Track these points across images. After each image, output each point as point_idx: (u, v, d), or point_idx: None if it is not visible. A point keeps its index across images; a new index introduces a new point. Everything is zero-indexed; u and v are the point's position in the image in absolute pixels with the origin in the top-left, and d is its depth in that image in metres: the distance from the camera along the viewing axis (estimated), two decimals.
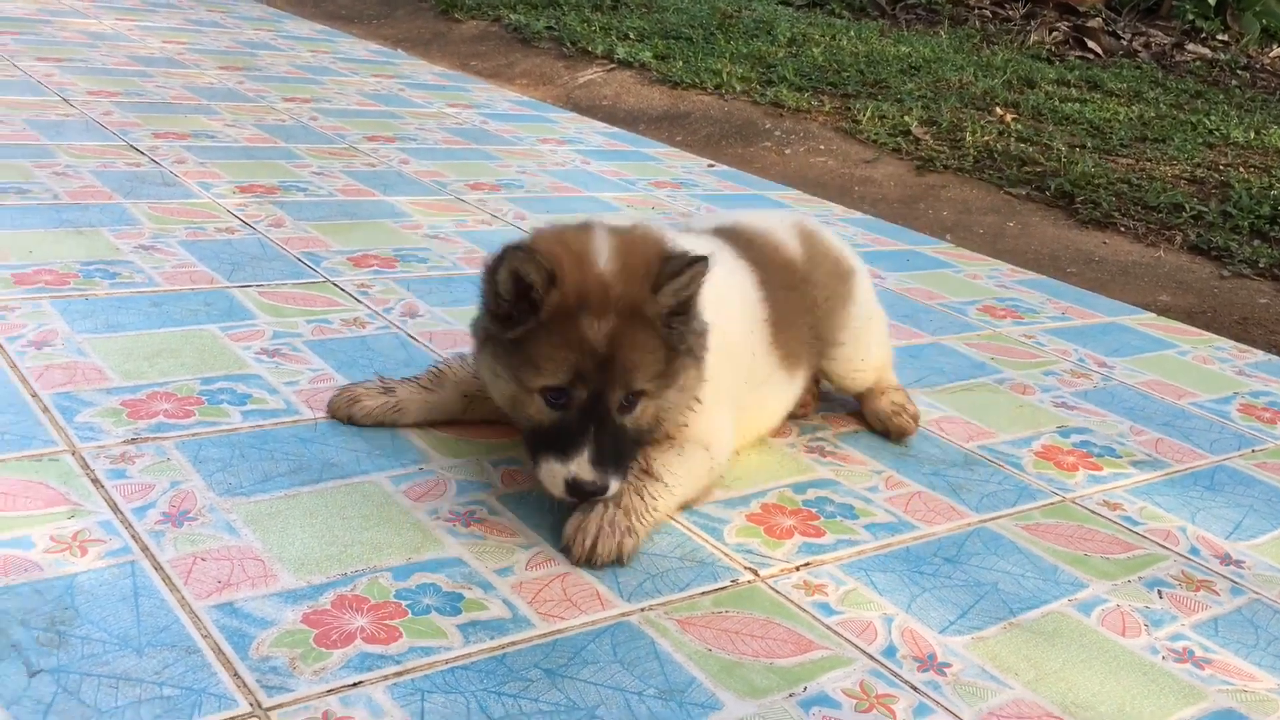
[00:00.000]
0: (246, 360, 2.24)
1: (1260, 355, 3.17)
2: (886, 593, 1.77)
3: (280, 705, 1.36)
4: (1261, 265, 4.05)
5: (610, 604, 1.65)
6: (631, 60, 6.17)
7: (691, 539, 1.85)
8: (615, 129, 5.07)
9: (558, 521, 1.79)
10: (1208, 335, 3.30)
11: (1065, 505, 2.14)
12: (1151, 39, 8.24)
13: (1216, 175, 4.98)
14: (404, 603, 1.58)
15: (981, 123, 5.45)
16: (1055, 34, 7.96)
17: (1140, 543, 2.04)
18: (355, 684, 1.41)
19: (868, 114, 5.42)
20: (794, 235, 2.27)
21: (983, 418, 2.47)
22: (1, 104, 3.92)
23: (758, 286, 2.07)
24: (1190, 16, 8.63)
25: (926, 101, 5.77)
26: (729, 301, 1.98)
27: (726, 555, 1.82)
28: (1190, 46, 8.11)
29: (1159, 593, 1.88)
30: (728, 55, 6.44)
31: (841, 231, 3.54)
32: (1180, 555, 2.01)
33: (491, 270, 1.77)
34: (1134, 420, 2.57)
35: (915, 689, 1.56)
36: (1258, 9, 8.56)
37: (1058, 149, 5.12)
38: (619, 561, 1.73)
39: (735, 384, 2.00)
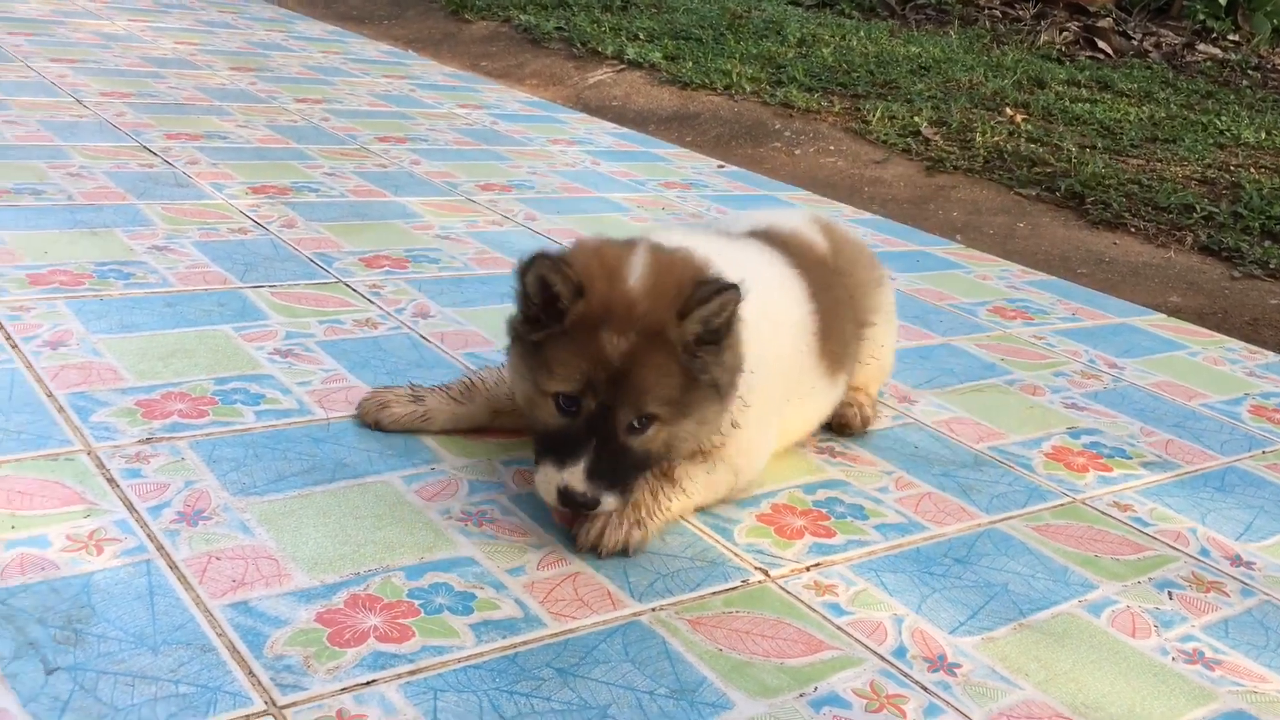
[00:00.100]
0: (260, 360, 2.25)
1: (1271, 356, 3.17)
2: (897, 593, 1.78)
3: (294, 703, 1.37)
4: (1272, 266, 4.04)
5: (621, 604, 1.65)
6: (641, 61, 6.18)
7: (702, 539, 1.86)
8: (625, 129, 5.08)
9: None
10: (1218, 336, 3.30)
11: (1075, 506, 2.14)
12: (1162, 39, 8.22)
13: (1227, 176, 4.97)
14: (416, 602, 1.59)
15: (991, 123, 5.45)
16: (1065, 34, 7.95)
17: (1151, 544, 2.04)
18: (369, 682, 1.42)
19: (877, 114, 5.42)
20: (817, 230, 2.27)
21: (993, 419, 2.47)
22: (16, 105, 3.94)
23: (808, 298, 2.04)
24: (1201, 16, 8.61)
25: (936, 102, 5.77)
26: (781, 321, 1.96)
27: (737, 555, 1.82)
28: (1201, 46, 8.09)
29: (1169, 594, 1.89)
30: (737, 56, 6.45)
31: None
32: (1191, 556, 2.01)
33: (523, 272, 1.76)
34: (1144, 421, 2.57)
35: (925, 689, 1.57)
36: (1269, 9, 8.54)
37: (1068, 149, 5.12)
38: (625, 552, 1.74)
39: (781, 404, 2.00)
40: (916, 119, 5.40)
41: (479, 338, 2.51)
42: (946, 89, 6.09)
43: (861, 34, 7.31)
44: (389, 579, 1.63)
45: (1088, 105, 6.01)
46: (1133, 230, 4.35)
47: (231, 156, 3.68)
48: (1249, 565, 2.01)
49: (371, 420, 2.03)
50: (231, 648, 1.44)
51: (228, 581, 1.57)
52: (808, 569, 1.81)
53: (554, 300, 1.73)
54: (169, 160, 3.54)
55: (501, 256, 3.07)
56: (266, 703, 1.36)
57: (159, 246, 2.79)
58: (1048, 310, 3.30)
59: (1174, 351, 3.08)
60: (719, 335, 1.74)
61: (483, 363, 2.36)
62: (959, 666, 1.62)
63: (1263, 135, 5.77)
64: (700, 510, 1.92)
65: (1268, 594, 1.93)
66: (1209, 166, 5.11)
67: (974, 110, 5.68)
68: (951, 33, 7.87)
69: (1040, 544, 1.98)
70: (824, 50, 6.68)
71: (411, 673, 1.45)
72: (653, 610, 1.65)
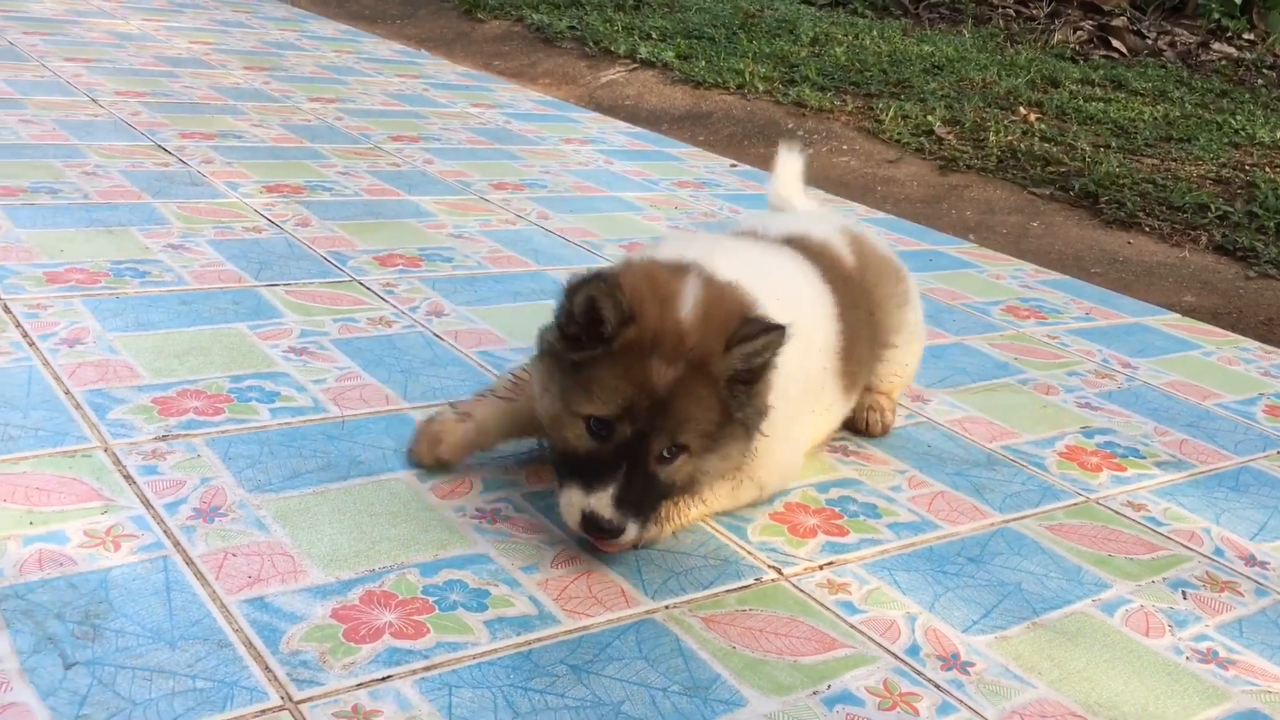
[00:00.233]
0: (274, 358, 2.26)
1: None
2: (910, 592, 1.78)
3: (310, 698, 1.38)
4: None
5: (635, 601, 1.66)
6: (654, 60, 6.18)
7: (715, 537, 1.86)
8: (638, 129, 5.08)
9: None
10: (1233, 336, 3.29)
11: (1089, 506, 2.14)
12: (1177, 38, 8.19)
13: (1242, 175, 4.95)
14: (431, 599, 1.60)
15: (1005, 122, 5.44)
16: (1079, 33, 7.93)
17: (1164, 544, 2.04)
18: (384, 678, 1.43)
19: (890, 114, 5.42)
20: (845, 243, 2.24)
21: (1006, 418, 2.47)
22: (32, 104, 3.97)
23: (836, 317, 2.03)
24: (1216, 15, 8.58)
25: (950, 101, 5.76)
26: (813, 340, 1.95)
27: (750, 554, 1.83)
28: (1216, 45, 8.06)
29: (1183, 593, 1.88)
30: (750, 55, 6.44)
31: None
32: (1204, 556, 2.01)
33: (572, 291, 1.71)
34: (1158, 421, 2.56)
35: (939, 687, 1.57)
36: None
37: (1082, 149, 5.10)
38: (635, 545, 1.74)
39: (807, 419, 2.00)
40: (930, 118, 5.40)
41: (492, 336, 2.51)
42: (960, 88, 6.08)
43: (875, 33, 7.31)
44: (404, 576, 1.64)
45: (1102, 104, 5.99)
46: (1147, 230, 4.34)
47: (246, 155, 3.70)
48: (1263, 565, 2.00)
49: (431, 460, 1.91)
50: (248, 643, 1.45)
51: (244, 578, 1.58)
52: (821, 567, 1.82)
53: (599, 322, 1.68)
54: (184, 159, 3.56)
55: (515, 255, 3.07)
56: (282, 698, 1.37)
57: (174, 245, 2.80)
58: (1061, 310, 3.29)
59: (1188, 351, 3.08)
60: (755, 375, 1.73)
61: (496, 361, 2.37)
62: (972, 665, 1.62)
63: (1278, 134, 5.75)
64: (719, 515, 1.93)
65: None
66: (1224, 166, 5.09)
67: (987, 109, 5.67)
68: (965, 32, 7.85)
69: (1054, 543, 1.98)
70: (837, 49, 6.67)
71: (426, 669, 1.46)
72: (666, 608, 1.66)
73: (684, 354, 1.67)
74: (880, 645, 1.64)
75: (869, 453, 2.23)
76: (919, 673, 1.59)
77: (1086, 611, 1.79)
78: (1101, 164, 4.85)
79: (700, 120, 5.48)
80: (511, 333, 2.53)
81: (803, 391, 1.93)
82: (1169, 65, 7.40)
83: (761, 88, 5.81)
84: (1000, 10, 8.67)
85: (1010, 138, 5.20)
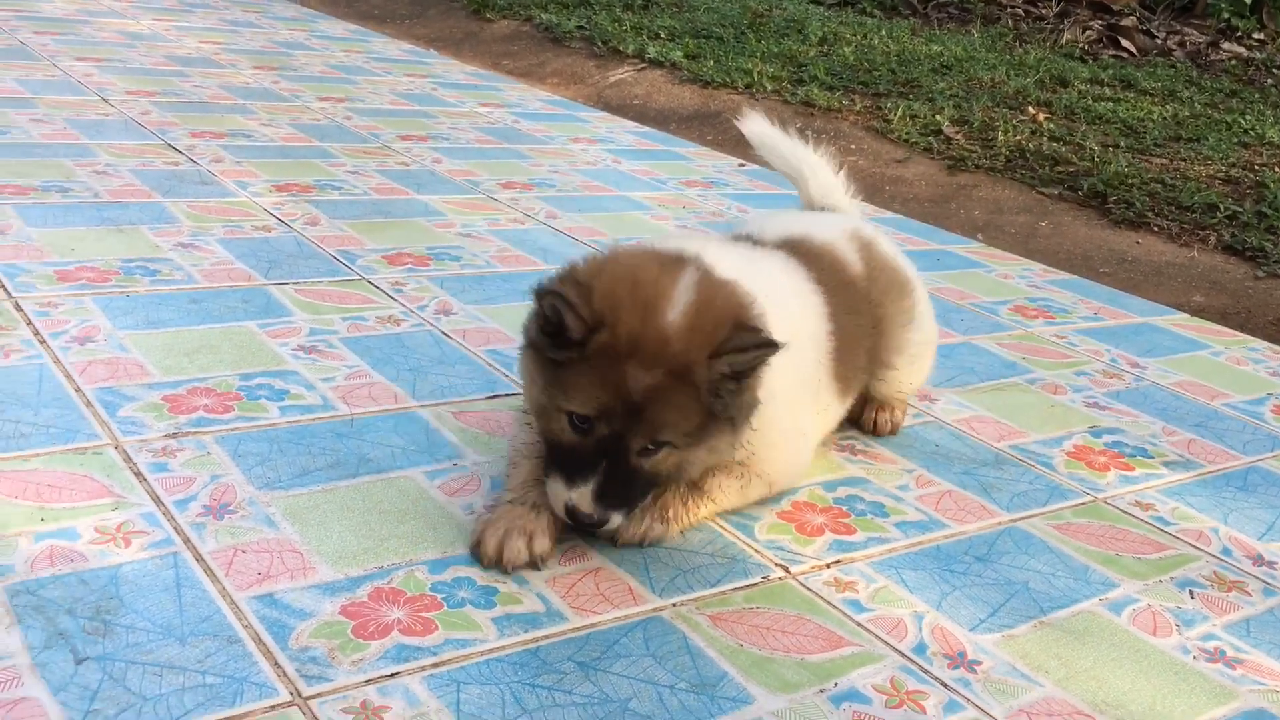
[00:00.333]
0: (284, 357, 2.27)
1: None
2: (917, 590, 1.78)
3: (319, 694, 1.38)
4: None
5: (643, 599, 1.66)
6: (662, 59, 6.19)
7: (723, 535, 1.87)
8: (646, 128, 5.09)
9: None
10: (1241, 336, 3.28)
11: (1097, 505, 2.14)
12: (1186, 38, 8.17)
13: (1251, 175, 4.94)
14: (439, 596, 1.60)
15: (1014, 122, 5.43)
16: (1089, 33, 7.91)
17: (1172, 543, 2.04)
18: (392, 674, 1.43)
19: (899, 113, 5.41)
20: (854, 248, 2.19)
21: (1014, 417, 2.47)
22: (43, 103, 3.98)
23: (827, 318, 2.00)
24: (1226, 15, 8.56)
25: (958, 100, 5.76)
26: (801, 331, 1.93)
27: (758, 552, 1.83)
28: (1225, 45, 8.04)
29: (1190, 593, 1.88)
30: (758, 54, 6.44)
31: None
32: (1212, 556, 2.01)
33: (539, 296, 1.68)
34: (1166, 421, 2.56)
35: (946, 686, 1.57)
36: None
37: (1091, 148, 5.10)
38: (641, 543, 1.74)
39: (810, 411, 1.99)
40: (938, 118, 5.39)
41: (501, 335, 2.52)
42: (968, 88, 6.07)
43: (883, 33, 7.30)
44: (412, 573, 1.64)
45: (1111, 104, 5.99)
46: (1155, 229, 4.33)
47: (255, 155, 3.71)
48: (1271, 565, 2.00)
49: (524, 560, 1.69)
50: (257, 639, 1.46)
51: (253, 574, 1.59)
52: (828, 566, 1.82)
53: (564, 332, 1.65)
54: (194, 158, 3.57)
55: (523, 254, 3.08)
56: (292, 693, 1.38)
57: (184, 244, 2.81)
58: (1069, 309, 3.29)
59: (1196, 351, 3.07)
60: (742, 377, 1.70)
61: (505, 359, 2.38)
62: (979, 663, 1.63)
63: None
64: (728, 513, 1.93)
65: None
66: (1233, 166, 5.08)
67: (996, 109, 5.67)
68: (974, 31, 7.84)
69: (1061, 542, 1.98)
70: (845, 49, 6.67)
71: (435, 665, 1.46)
72: (674, 605, 1.66)
73: (665, 360, 1.63)
74: (887, 643, 1.64)
75: (876, 452, 2.24)
76: (926, 671, 1.60)
77: (1094, 610, 1.80)
78: (1110, 164, 4.84)
79: (708, 120, 5.49)
80: (519, 331, 2.53)
81: (799, 387, 1.92)
82: (1178, 65, 7.38)
83: (770, 87, 5.81)
84: (1009, 10, 8.66)
85: (1019, 137, 5.20)
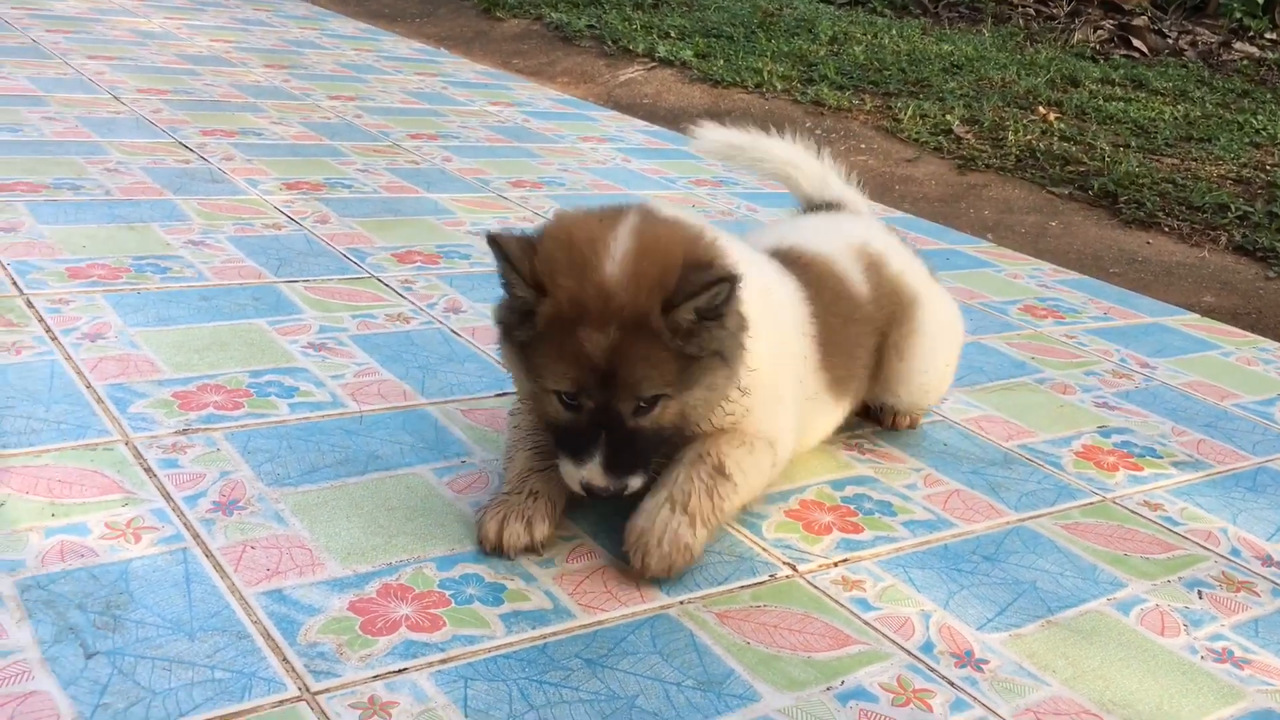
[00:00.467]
0: (293, 354, 2.28)
1: None
2: (925, 589, 1.78)
3: (328, 690, 1.39)
4: None
5: (650, 597, 1.67)
6: (672, 58, 6.19)
7: (730, 534, 1.87)
8: (656, 127, 5.09)
9: (599, 515, 1.82)
10: (1252, 336, 3.27)
11: (1105, 505, 2.14)
12: (1198, 37, 8.15)
13: (1263, 175, 4.93)
14: (447, 592, 1.61)
15: (1024, 122, 5.42)
16: (1100, 32, 7.89)
17: (1181, 543, 2.03)
18: (400, 670, 1.44)
19: (909, 113, 5.41)
20: (857, 264, 2.11)
21: (1023, 417, 2.47)
22: (55, 101, 4.00)
23: (807, 300, 1.95)
24: (1238, 15, 8.53)
25: (968, 100, 5.75)
26: (779, 298, 1.90)
27: (765, 550, 1.83)
28: (1237, 45, 8.01)
29: (1199, 593, 1.88)
30: (769, 54, 6.44)
31: None
32: (1221, 556, 2.01)
33: (488, 241, 1.63)
34: (1176, 421, 2.56)
35: (952, 684, 1.57)
36: None
37: (1101, 148, 5.08)
38: (668, 573, 1.68)
39: (793, 387, 1.93)
40: (948, 117, 5.38)
41: None
42: (979, 87, 6.06)
43: (893, 32, 7.29)
44: (420, 569, 1.65)
45: (1121, 104, 5.97)
46: (1166, 230, 4.32)
47: (266, 153, 3.72)
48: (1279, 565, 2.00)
49: (525, 544, 1.71)
50: (266, 635, 1.47)
51: (262, 570, 1.59)
52: (835, 564, 1.82)
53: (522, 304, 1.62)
54: (205, 156, 3.58)
55: None
56: (300, 689, 1.38)
57: (195, 241, 2.82)
58: (1079, 309, 3.28)
59: (1207, 351, 3.06)
60: (719, 312, 1.62)
61: None
62: (986, 662, 1.63)
63: None
64: (746, 509, 1.90)
65: None
66: (1244, 166, 5.06)
67: (1006, 109, 5.66)
68: (984, 31, 7.83)
69: (1069, 542, 1.98)
70: (856, 48, 6.66)
71: (442, 661, 1.47)
72: (681, 603, 1.66)
73: (615, 316, 1.57)
74: (894, 642, 1.64)
75: (885, 450, 2.24)
76: (933, 669, 1.60)
77: (1101, 610, 1.79)
78: (1121, 163, 4.83)
79: (718, 118, 5.47)
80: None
81: (784, 358, 1.86)
82: (1190, 65, 7.36)
83: (780, 86, 5.81)
84: (1020, 9, 8.64)
85: (1029, 137, 5.19)
